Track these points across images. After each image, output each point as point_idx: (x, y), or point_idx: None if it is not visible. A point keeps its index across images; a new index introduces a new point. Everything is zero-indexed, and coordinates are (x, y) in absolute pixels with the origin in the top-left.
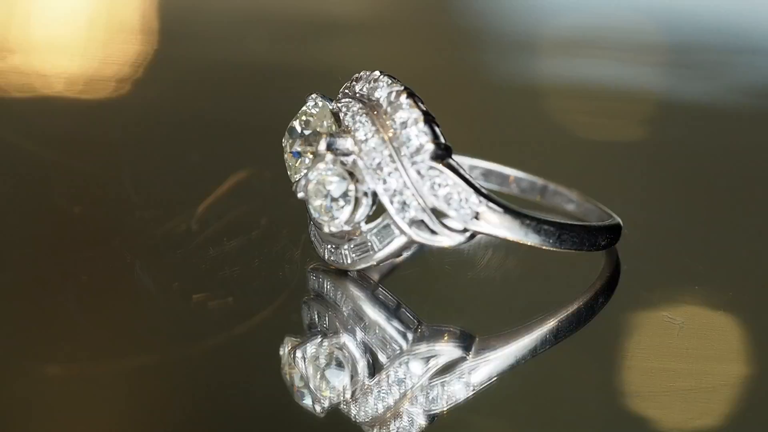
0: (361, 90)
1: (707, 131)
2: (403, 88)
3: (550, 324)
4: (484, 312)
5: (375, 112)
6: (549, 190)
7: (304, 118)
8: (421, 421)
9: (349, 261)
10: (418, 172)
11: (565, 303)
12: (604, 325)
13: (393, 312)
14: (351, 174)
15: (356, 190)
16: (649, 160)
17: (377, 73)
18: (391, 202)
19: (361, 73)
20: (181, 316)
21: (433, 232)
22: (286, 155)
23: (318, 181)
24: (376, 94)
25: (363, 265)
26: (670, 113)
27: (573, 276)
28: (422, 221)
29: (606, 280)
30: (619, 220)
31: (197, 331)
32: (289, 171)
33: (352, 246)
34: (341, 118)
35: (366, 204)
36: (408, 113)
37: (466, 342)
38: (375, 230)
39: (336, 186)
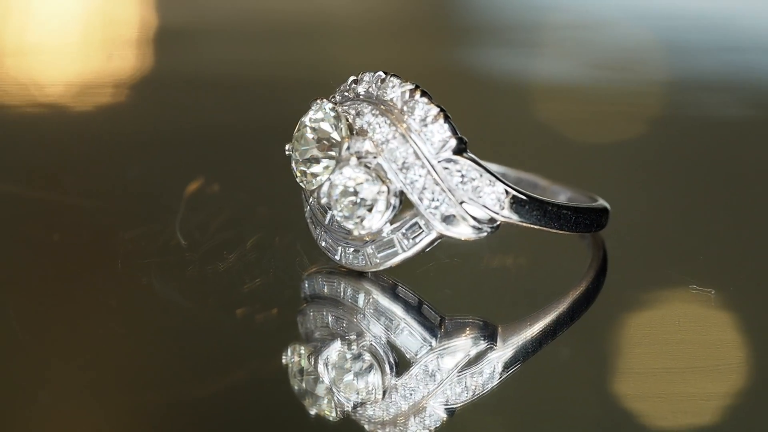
0: (366, 91)
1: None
2: (415, 86)
3: (566, 305)
4: (498, 301)
5: (389, 112)
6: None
7: (313, 125)
8: (442, 414)
9: (372, 263)
10: (445, 168)
11: (572, 284)
12: (630, 305)
13: (416, 309)
14: (378, 176)
15: (388, 191)
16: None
17: (381, 73)
18: (421, 200)
19: (361, 75)
20: (225, 331)
21: (467, 227)
22: (294, 163)
23: (345, 186)
24: (389, 94)
25: (388, 266)
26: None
27: (564, 259)
28: (453, 215)
29: (601, 259)
30: (601, 199)
31: (250, 346)
32: (302, 178)
33: (374, 248)
34: (351, 121)
35: (394, 204)
36: (426, 110)
37: (490, 332)
38: (402, 229)
39: (367, 188)
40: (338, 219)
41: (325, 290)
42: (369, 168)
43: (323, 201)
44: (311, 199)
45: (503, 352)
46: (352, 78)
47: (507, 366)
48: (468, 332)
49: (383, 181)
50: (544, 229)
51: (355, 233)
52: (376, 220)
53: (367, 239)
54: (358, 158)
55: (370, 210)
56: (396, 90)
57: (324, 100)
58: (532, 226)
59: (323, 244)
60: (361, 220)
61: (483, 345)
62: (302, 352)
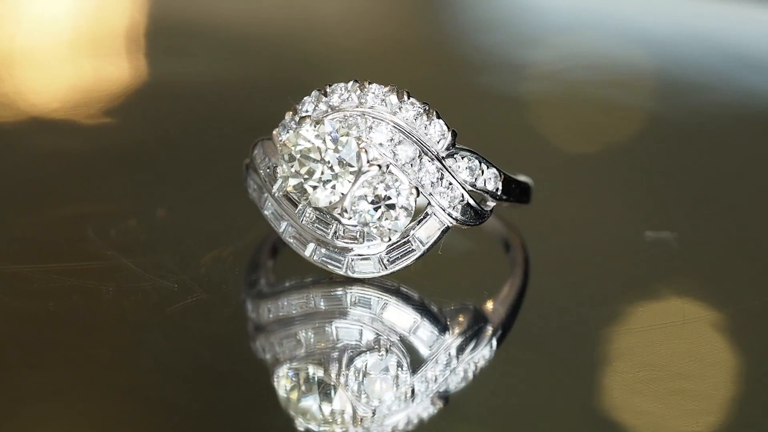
0: (344, 101)
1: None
2: (396, 87)
3: (522, 271)
4: (466, 283)
5: (382, 116)
6: None
7: (311, 144)
8: (438, 402)
9: (386, 266)
10: (451, 160)
11: (516, 253)
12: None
13: (423, 305)
14: (398, 179)
15: (417, 192)
16: None
17: (352, 82)
18: (433, 194)
19: (330, 87)
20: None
21: (475, 213)
22: (295, 182)
23: (372, 195)
24: (374, 100)
25: (401, 267)
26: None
27: (488, 234)
28: (462, 204)
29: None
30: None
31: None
32: (308, 197)
33: (387, 251)
34: (345, 131)
35: (414, 203)
36: (418, 109)
37: (481, 314)
38: (419, 227)
39: (396, 193)
40: (371, 228)
41: (323, 305)
42: (385, 173)
43: (346, 216)
44: (303, 216)
45: (495, 329)
46: (315, 92)
47: (500, 341)
48: (462, 318)
49: (407, 184)
50: (518, 204)
51: (386, 239)
52: (404, 222)
53: (386, 243)
54: (378, 167)
55: (397, 214)
56: (380, 94)
57: (317, 116)
58: (516, 204)
59: (317, 258)
60: (390, 225)
61: (481, 327)
62: (308, 368)
